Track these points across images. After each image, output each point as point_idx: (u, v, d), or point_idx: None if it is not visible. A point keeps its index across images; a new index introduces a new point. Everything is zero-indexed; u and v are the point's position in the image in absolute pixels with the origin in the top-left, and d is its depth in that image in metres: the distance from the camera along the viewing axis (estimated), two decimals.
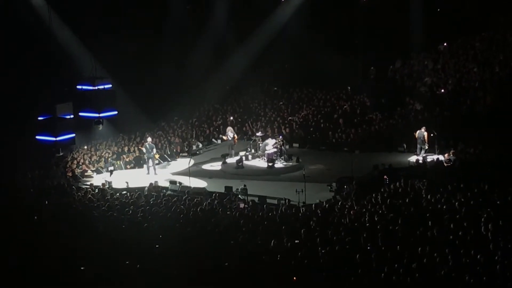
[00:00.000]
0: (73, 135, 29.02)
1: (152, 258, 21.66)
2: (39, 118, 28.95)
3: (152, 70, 43.92)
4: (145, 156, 36.10)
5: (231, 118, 44.54)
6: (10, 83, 37.74)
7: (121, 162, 36.90)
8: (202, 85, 46.28)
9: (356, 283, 18.84)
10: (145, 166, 36.21)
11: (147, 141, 36.36)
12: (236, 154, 37.64)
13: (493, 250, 19.78)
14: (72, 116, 29.51)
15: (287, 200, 27.96)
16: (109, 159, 36.84)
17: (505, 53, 41.37)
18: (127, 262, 21.34)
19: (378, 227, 22.81)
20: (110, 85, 30.77)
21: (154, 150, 36.04)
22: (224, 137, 39.75)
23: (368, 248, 20.89)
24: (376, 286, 18.50)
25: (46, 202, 28.53)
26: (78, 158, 36.16)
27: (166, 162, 38.12)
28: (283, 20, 47.20)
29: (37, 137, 28.74)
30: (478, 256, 19.42)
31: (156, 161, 37.63)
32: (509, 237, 20.65)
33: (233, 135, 39.09)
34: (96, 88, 29.89)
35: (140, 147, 37.28)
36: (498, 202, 23.97)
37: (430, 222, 22.64)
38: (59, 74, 37.17)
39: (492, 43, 43.26)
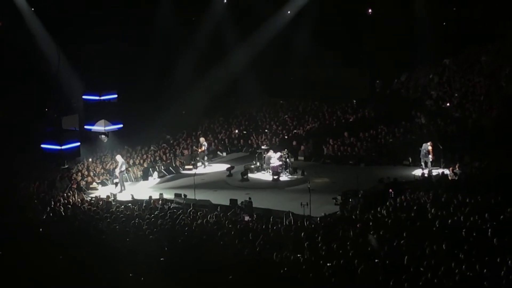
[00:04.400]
0: (78, 143, 29.12)
1: (157, 270, 21.63)
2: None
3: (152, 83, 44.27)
4: (122, 174, 35.34)
5: (236, 131, 44.59)
6: (15, 98, 38.10)
7: (127, 175, 36.89)
8: (205, 98, 46.34)
9: None
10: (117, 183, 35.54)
11: (118, 159, 35.66)
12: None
13: (499, 264, 19.70)
14: (77, 129, 29.66)
15: (291, 213, 27.88)
16: (115, 171, 36.79)
17: (511, 66, 41.32)
18: (131, 275, 21.31)
19: (383, 240, 22.77)
20: (116, 96, 30.84)
21: (124, 166, 35.72)
22: (200, 149, 39.63)
23: (374, 261, 20.82)
24: None
25: (51, 214, 28.56)
26: (83, 170, 36.18)
27: (171, 175, 38.22)
28: (287, 32, 47.36)
29: (42, 145, 28.84)
30: (484, 270, 19.35)
31: (161, 174, 37.72)
32: None
33: (206, 145, 39.49)
34: (101, 98, 29.98)
35: (110, 166, 36.77)
36: (503, 216, 23.87)
37: (435, 236, 22.58)
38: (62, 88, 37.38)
39: (498, 55, 43.22)
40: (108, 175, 36.64)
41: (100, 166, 37.20)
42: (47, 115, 35.30)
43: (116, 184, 35.22)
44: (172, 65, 46.26)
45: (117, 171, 35.40)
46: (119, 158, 35.55)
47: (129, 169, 37.44)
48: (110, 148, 39.06)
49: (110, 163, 37.38)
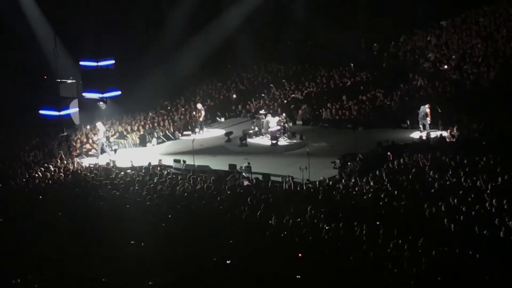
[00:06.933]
0: (77, 109, 29.11)
1: (158, 236, 21.74)
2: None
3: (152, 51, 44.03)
4: (100, 141, 35.23)
5: (234, 96, 44.52)
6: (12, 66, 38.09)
7: (125, 141, 37.00)
8: (204, 64, 46.06)
9: (361, 260, 18.90)
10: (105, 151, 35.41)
11: (98, 126, 35.53)
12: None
13: (498, 226, 19.81)
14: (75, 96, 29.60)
15: (291, 178, 27.97)
16: (113, 138, 36.84)
17: (508, 28, 41.21)
18: (132, 242, 21.40)
19: (382, 203, 22.89)
20: (113, 61, 30.71)
21: (103, 134, 35.40)
22: (197, 115, 39.63)
23: (376, 224, 20.93)
24: (380, 262, 18.56)
25: (50, 182, 28.63)
26: (82, 137, 36.24)
27: (170, 141, 38.27)
28: None
29: (40, 111, 28.83)
30: (484, 232, 19.47)
31: (160, 140, 37.80)
32: None
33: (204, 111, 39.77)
34: (99, 64, 29.86)
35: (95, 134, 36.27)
36: (501, 177, 23.95)
37: (434, 198, 22.69)
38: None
39: (496, 17, 43.07)
40: (107, 141, 36.65)
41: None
42: (45, 82, 35.21)
43: (115, 151, 35.29)
44: (163, 27, 45.67)
45: (95, 138, 35.50)
46: (99, 125, 35.54)
47: (128, 135, 37.54)
48: (109, 115, 39.03)
49: (109, 131, 37.50)
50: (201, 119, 39.44)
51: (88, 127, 37.68)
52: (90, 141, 36.22)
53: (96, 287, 19.33)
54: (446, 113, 35.04)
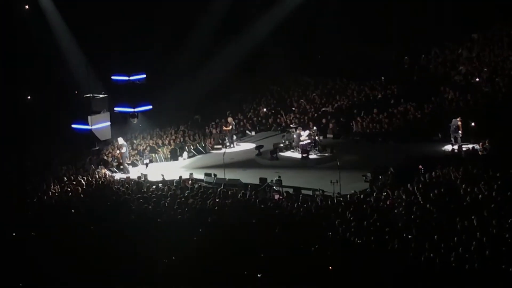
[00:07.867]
0: (108, 123, 29.33)
1: (189, 250, 21.76)
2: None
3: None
4: (124, 155, 35.32)
5: (264, 109, 44.54)
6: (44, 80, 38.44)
7: (157, 155, 37.15)
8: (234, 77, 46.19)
9: (392, 272, 18.83)
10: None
11: (120, 142, 35.50)
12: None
13: None
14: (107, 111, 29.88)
15: (322, 191, 27.92)
16: (145, 151, 37.04)
17: None
18: (165, 261, 21.39)
19: (413, 217, 22.78)
20: (144, 76, 30.92)
21: (125, 148, 35.41)
22: (226, 128, 39.66)
23: (405, 238, 20.83)
24: (413, 275, 18.47)
25: (82, 195, 28.81)
26: (113, 151, 36.43)
27: (201, 155, 38.37)
28: (311, 8, 46.86)
29: (73, 125, 29.11)
30: None
31: (191, 154, 37.88)
32: None
33: (234, 125, 39.80)
34: (130, 79, 30.09)
35: (119, 148, 35.96)
36: None
37: (466, 212, 22.54)
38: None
39: None
40: (138, 156, 36.86)
41: (130, 147, 37.39)
42: (76, 97, 35.55)
43: (147, 165, 35.46)
44: (192, 40, 45.69)
45: (117, 152, 35.64)
46: (121, 140, 35.61)
47: (159, 149, 37.70)
48: (140, 129, 39.27)
49: (140, 144, 37.70)
50: (230, 132, 39.45)
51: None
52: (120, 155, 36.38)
53: None
54: (478, 126, 34.84)
